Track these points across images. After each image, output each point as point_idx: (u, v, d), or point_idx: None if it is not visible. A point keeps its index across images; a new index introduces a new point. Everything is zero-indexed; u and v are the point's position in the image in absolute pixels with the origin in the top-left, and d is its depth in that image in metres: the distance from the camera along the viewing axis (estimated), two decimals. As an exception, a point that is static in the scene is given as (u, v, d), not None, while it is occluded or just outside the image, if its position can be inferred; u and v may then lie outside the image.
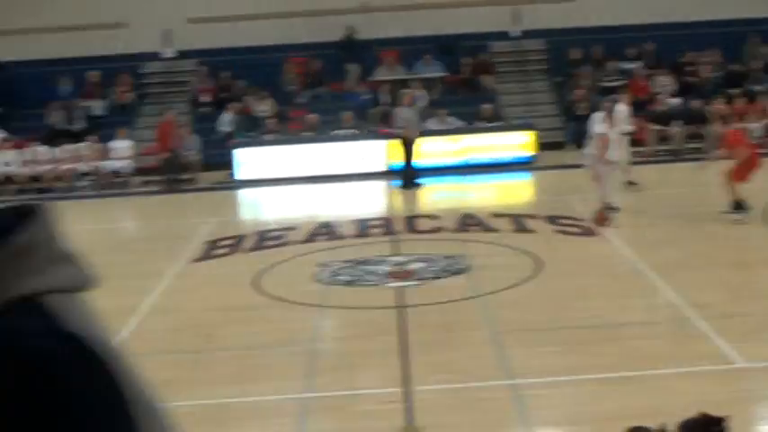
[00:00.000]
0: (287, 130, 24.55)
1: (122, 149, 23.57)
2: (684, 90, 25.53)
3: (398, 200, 20.10)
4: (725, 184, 15.53)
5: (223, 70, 26.69)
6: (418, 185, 20.90)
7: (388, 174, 21.96)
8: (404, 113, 20.87)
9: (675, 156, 23.03)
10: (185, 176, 23.16)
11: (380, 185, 21.36)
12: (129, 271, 14.76)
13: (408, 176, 20.99)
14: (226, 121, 24.95)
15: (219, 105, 25.85)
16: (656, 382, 8.89)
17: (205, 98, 26.34)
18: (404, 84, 25.83)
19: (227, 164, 23.35)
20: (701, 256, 13.69)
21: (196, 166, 23.50)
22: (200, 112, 26.22)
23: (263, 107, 25.46)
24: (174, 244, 16.38)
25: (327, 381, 9.46)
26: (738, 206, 15.39)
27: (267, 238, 16.38)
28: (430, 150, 23.02)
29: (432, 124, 24.05)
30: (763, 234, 14.74)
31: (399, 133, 20.93)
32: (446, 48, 27.18)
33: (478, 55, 27.08)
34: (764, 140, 22.58)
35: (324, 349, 10.50)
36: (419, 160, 21.54)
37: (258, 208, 21.38)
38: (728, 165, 15.41)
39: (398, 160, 21.37)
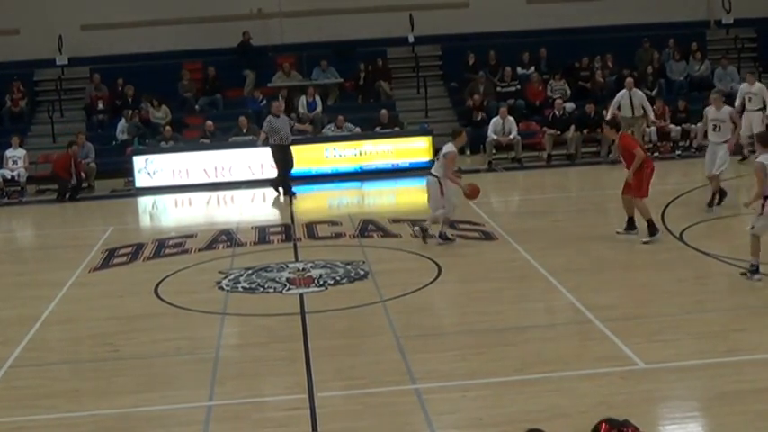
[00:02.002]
0: (184, 136, 24.32)
1: (16, 158, 23.03)
2: (579, 95, 25.99)
3: (298, 206, 20.03)
4: (624, 199, 14.93)
5: (117, 77, 26.28)
6: (293, 194, 20.87)
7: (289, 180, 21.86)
8: (273, 122, 20.80)
9: (571, 160, 23.44)
10: (82, 185, 22.65)
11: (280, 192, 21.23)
12: (27, 280, 14.56)
13: (277, 184, 21.00)
14: (122, 128, 24.60)
15: (115, 113, 25.48)
16: (559, 384, 9.01)
17: (100, 105, 25.90)
18: (301, 90, 25.80)
19: (123, 171, 23.02)
20: (600, 259, 13.91)
21: (93, 173, 23.07)
22: (95, 120, 25.80)
23: (160, 114, 25.17)
24: (72, 253, 16.05)
25: (231, 388, 9.39)
26: (631, 225, 14.91)
27: (167, 246, 16.19)
28: (328, 157, 23.07)
29: (329, 130, 24.07)
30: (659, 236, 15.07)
31: (268, 141, 20.89)
32: (342, 54, 27.23)
33: (375, 61, 27.17)
34: (659, 144, 23.17)
35: (227, 357, 10.40)
36: (294, 168, 21.41)
37: (157, 215, 21.09)
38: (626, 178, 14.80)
39: (273, 168, 21.22)
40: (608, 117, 22.41)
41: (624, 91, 22.61)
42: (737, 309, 11.24)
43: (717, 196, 16.55)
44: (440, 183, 15.21)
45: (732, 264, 13.00)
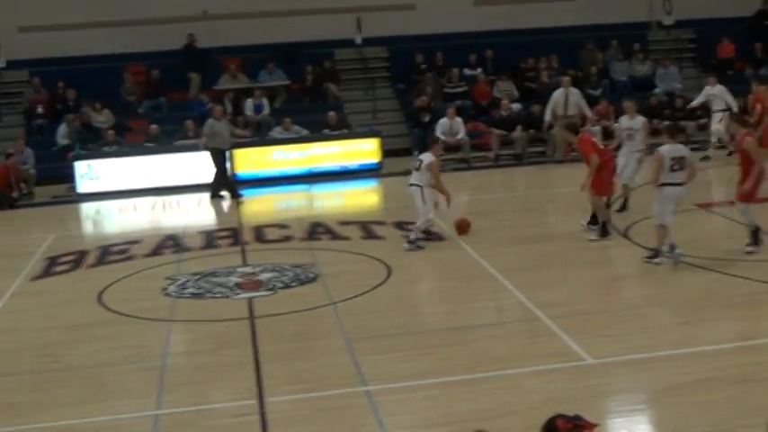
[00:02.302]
0: (127, 141, 24.04)
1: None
2: (525, 95, 26.09)
3: (246, 209, 19.89)
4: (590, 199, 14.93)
5: (58, 81, 25.87)
6: (240, 197, 20.77)
7: (235, 183, 21.73)
8: (213, 126, 20.69)
9: (518, 160, 23.53)
10: (22, 192, 22.25)
11: (226, 195, 21.04)
12: (-35, 291, 14.21)
13: (216, 188, 20.89)
14: (63, 133, 24.21)
15: (55, 117, 25.09)
16: (508, 381, 9.05)
17: (39, 110, 25.46)
18: (248, 92, 25.64)
19: (65, 177, 22.69)
20: (547, 257, 13.97)
21: (32, 180, 22.70)
22: (34, 125, 25.36)
23: (102, 118, 24.87)
24: (12, 262, 15.72)
25: (179, 396, 9.28)
26: (594, 220, 15.00)
27: (111, 253, 15.97)
28: (276, 159, 22.94)
29: (277, 133, 23.95)
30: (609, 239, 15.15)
31: (207, 145, 20.76)
32: (289, 56, 27.09)
33: (322, 63, 27.08)
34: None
35: (175, 364, 10.26)
36: (234, 172, 21.39)
37: (100, 222, 20.81)
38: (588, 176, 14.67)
39: (212, 171, 21.08)
40: (546, 117, 22.69)
41: (560, 89, 22.77)
42: (681, 303, 11.42)
43: (626, 202, 16.53)
44: (421, 191, 15.10)
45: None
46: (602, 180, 14.75)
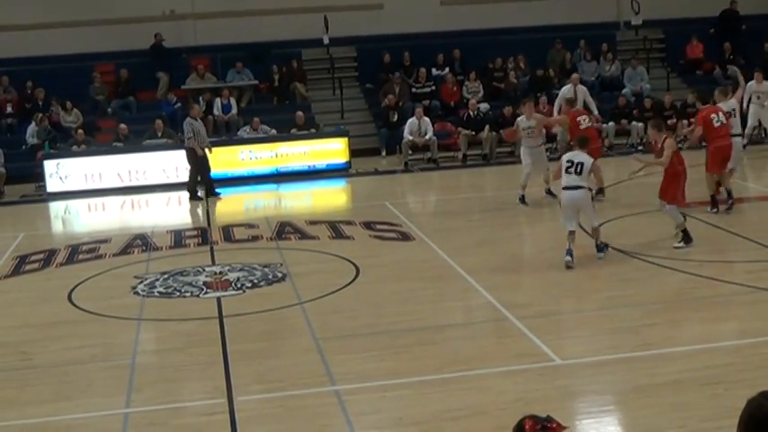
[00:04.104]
0: (96, 140, 23.97)
1: None
2: (493, 95, 26.20)
3: (214, 209, 19.89)
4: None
5: (27, 80, 25.77)
6: (217, 195, 20.86)
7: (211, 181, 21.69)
8: (194, 125, 20.67)
9: (486, 160, 23.61)
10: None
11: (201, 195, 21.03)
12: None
13: (194, 188, 20.90)
14: (32, 132, 24.12)
15: (24, 116, 24.99)
16: (477, 382, 9.09)
17: (9, 109, 25.38)
18: (216, 92, 25.62)
19: (34, 176, 22.63)
20: (516, 258, 14.06)
21: (1, 179, 22.58)
22: (3, 124, 25.27)
23: (71, 118, 24.78)
24: (-19, 260, 15.72)
25: (149, 395, 9.30)
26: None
27: (80, 252, 15.93)
28: (244, 159, 22.95)
29: (245, 133, 23.94)
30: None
31: (187, 145, 20.74)
32: (257, 55, 27.08)
33: (290, 62, 27.08)
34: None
35: (144, 363, 10.28)
36: (213, 171, 21.36)
37: (70, 221, 20.74)
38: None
39: (187, 172, 21.12)
40: (556, 110, 22.59)
41: (569, 86, 22.71)
42: (649, 304, 11.45)
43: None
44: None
45: (644, 260, 13.25)
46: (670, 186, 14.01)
